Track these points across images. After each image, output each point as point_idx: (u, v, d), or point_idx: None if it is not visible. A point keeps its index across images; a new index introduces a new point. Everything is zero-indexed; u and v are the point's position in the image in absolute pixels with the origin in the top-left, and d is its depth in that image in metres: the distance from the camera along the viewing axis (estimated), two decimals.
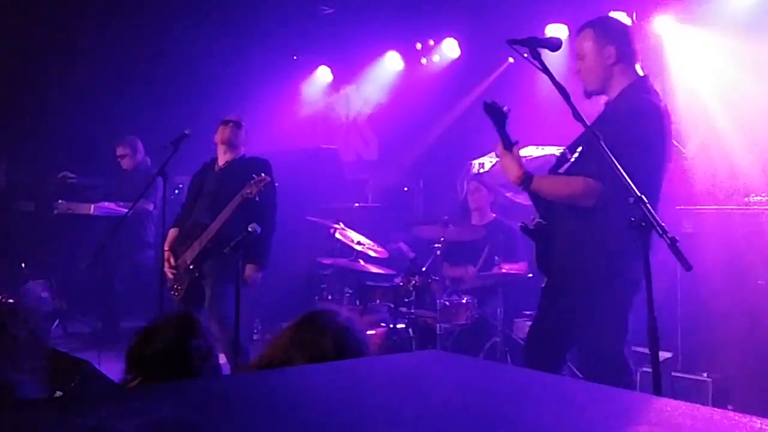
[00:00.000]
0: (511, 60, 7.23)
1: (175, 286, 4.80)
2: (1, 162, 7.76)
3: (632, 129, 3.08)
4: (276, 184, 4.75)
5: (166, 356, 2.11)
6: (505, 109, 3.27)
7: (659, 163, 3.23)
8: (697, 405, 0.98)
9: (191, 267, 4.72)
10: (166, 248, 4.88)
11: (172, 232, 4.94)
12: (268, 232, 4.69)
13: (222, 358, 4.96)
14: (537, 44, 3.00)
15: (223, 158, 4.96)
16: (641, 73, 3.34)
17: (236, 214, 4.52)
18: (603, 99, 3.41)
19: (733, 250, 4.58)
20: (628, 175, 2.64)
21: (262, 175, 4.40)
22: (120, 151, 6.95)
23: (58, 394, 2.31)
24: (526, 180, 3.28)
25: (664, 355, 4.35)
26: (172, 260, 4.82)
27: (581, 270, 3.26)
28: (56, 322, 7.03)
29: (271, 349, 2.07)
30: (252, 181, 4.42)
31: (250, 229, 4.26)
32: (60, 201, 7.01)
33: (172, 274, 4.81)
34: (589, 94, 3.43)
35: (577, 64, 3.41)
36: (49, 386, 2.19)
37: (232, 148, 4.93)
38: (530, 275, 5.67)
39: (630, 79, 3.31)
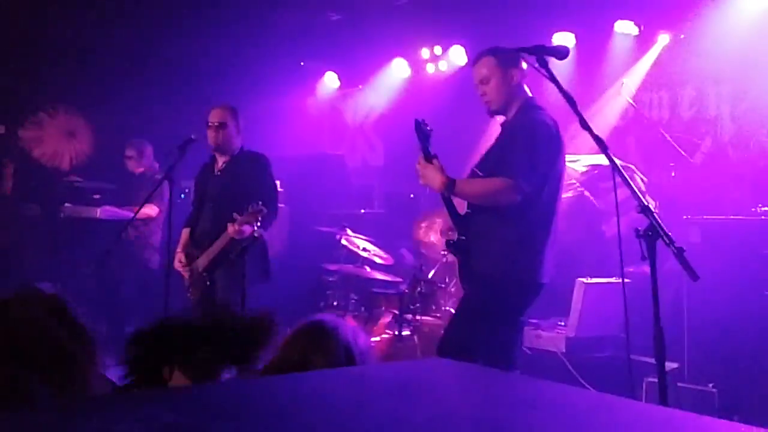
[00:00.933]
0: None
1: (191, 290, 4.84)
2: (9, 165, 7.79)
3: (526, 138, 3.53)
4: (278, 181, 4.71)
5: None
6: (429, 128, 3.69)
7: (552, 170, 3.60)
8: (703, 416, 0.97)
9: (204, 274, 4.75)
10: (179, 250, 4.90)
11: (185, 233, 4.97)
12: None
13: None
14: (544, 52, 3.01)
15: (221, 159, 4.94)
16: (530, 94, 3.74)
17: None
18: (501, 119, 3.82)
19: (740, 260, 4.56)
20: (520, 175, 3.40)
21: (259, 204, 4.32)
22: (128, 152, 6.96)
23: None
24: (449, 185, 3.54)
25: (670, 365, 4.33)
26: (183, 260, 4.84)
27: (491, 278, 3.58)
28: None
29: (283, 355, 2.08)
30: (249, 211, 4.35)
31: (256, 235, 4.28)
32: (66, 204, 7.03)
33: (189, 277, 4.83)
34: (492, 114, 3.81)
35: (481, 88, 3.74)
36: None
37: (227, 149, 4.89)
38: None
39: (523, 99, 3.71)
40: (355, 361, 2.00)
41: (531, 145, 3.53)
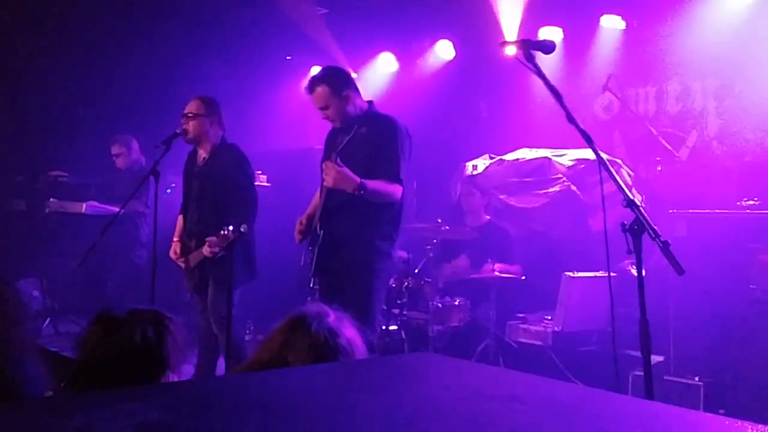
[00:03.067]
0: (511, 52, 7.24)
1: (186, 280, 4.87)
2: None
3: (395, 143, 4.05)
4: (264, 176, 4.69)
5: None
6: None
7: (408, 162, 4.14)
8: (689, 409, 0.97)
9: (195, 271, 4.76)
10: (175, 239, 4.92)
11: (180, 220, 4.99)
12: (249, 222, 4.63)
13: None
14: (531, 47, 3.01)
15: (201, 152, 4.92)
16: (366, 100, 4.29)
17: (223, 217, 4.50)
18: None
19: (725, 254, 4.59)
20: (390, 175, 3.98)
21: (228, 230, 4.32)
22: (115, 150, 6.91)
23: (48, 394, 2.29)
24: (362, 186, 3.93)
25: (655, 358, 4.36)
26: (178, 250, 4.85)
27: (351, 262, 4.03)
28: (47, 321, 7.00)
29: (263, 351, 2.07)
30: (217, 237, 4.37)
31: (242, 230, 4.29)
32: (51, 200, 6.98)
33: (185, 268, 4.83)
34: (340, 129, 4.24)
35: (323, 114, 4.22)
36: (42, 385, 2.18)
37: (204, 140, 4.85)
38: (523, 278, 5.68)
39: (364, 106, 4.25)
40: (338, 352, 1.99)
41: (401, 149, 4.07)
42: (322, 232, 4.07)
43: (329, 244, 4.07)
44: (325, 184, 4.07)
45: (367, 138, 4.13)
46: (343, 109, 4.18)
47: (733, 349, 4.49)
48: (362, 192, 3.93)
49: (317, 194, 4.42)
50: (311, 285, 4.02)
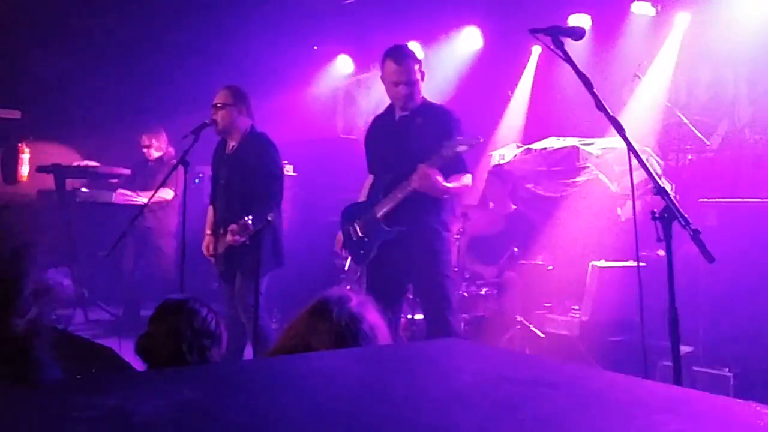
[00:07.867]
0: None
1: (215, 264, 4.93)
2: (25, 150, 7.84)
3: (455, 127, 4.14)
4: (290, 166, 4.70)
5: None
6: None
7: None
8: (717, 395, 0.97)
9: (221, 258, 4.81)
10: (207, 232, 4.96)
11: (211, 212, 5.03)
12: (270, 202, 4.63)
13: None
14: (560, 33, 2.98)
15: (230, 141, 4.96)
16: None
17: (250, 206, 4.52)
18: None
19: (756, 244, 4.53)
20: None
21: (247, 219, 4.31)
22: (145, 141, 6.99)
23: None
24: (447, 192, 4.05)
25: (684, 349, 4.31)
26: (211, 247, 4.88)
27: (419, 253, 4.09)
28: (77, 309, 7.11)
29: (287, 337, 2.09)
30: (237, 225, 4.38)
31: (269, 219, 4.30)
32: (82, 189, 7.08)
33: (214, 256, 4.87)
34: (405, 108, 4.25)
35: (404, 88, 4.16)
36: (69, 371, 2.22)
37: (233, 130, 4.89)
38: (550, 267, 5.65)
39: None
40: (359, 337, 1.99)
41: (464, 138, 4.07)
42: (385, 225, 4.14)
43: (395, 237, 4.11)
44: (412, 185, 4.00)
45: (423, 128, 4.17)
46: (418, 92, 4.21)
47: (764, 340, 4.44)
48: (445, 194, 4.05)
49: (366, 182, 4.47)
50: (357, 274, 4.13)
